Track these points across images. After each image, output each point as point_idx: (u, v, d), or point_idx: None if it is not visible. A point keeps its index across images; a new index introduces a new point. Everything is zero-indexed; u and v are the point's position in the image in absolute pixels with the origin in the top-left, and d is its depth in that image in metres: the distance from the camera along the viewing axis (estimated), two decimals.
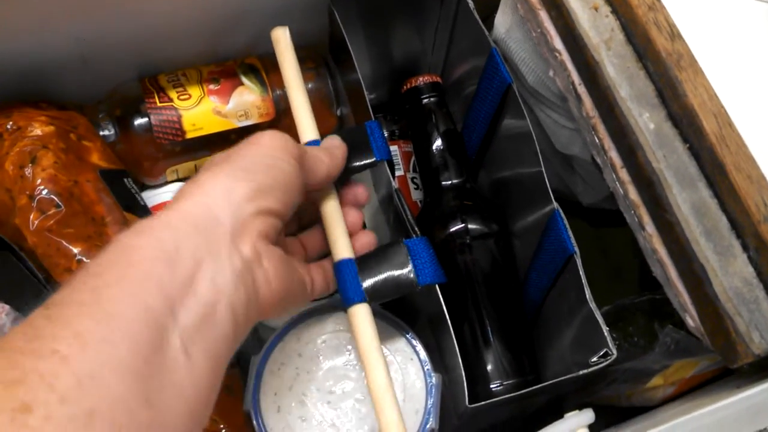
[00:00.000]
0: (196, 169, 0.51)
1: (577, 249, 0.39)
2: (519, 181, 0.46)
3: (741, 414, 0.33)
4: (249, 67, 0.51)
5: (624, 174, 0.36)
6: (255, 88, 0.51)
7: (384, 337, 0.40)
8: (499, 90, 0.44)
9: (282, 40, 0.42)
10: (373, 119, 0.42)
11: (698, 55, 0.34)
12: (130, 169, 0.49)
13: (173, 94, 0.49)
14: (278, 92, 0.51)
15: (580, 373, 0.37)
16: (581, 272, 0.39)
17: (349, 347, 0.41)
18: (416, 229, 0.40)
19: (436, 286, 0.38)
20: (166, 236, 0.28)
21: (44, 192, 0.41)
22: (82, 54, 0.46)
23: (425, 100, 0.48)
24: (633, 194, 0.36)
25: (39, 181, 0.41)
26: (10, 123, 0.43)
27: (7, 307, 0.40)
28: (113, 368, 0.23)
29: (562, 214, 0.40)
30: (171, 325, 0.26)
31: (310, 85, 0.51)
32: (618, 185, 0.36)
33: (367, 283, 0.37)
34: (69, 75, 0.47)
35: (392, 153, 0.57)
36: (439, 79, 0.49)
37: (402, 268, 0.38)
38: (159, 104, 0.48)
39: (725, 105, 0.33)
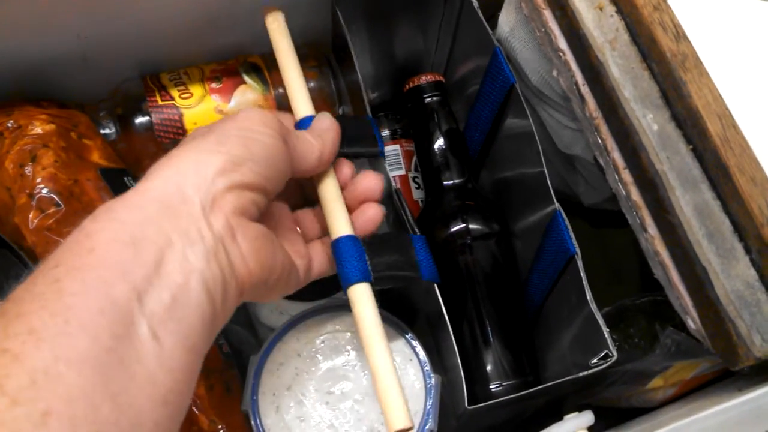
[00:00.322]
0: None
1: (578, 250, 0.39)
2: (521, 181, 0.46)
3: (743, 417, 0.33)
4: (251, 66, 0.51)
5: (626, 175, 0.36)
6: (257, 87, 0.50)
7: None
8: (502, 89, 0.44)
9: (276, 21, 0.42)
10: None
11: (703, 56, 0.33)
12: (131, 168, 0.49)
13: (175, 93, 0.49)
14: (280, 91, 0.51)
15: (580, 374, 0.37)
16: (582, 273, 0.38)
17: (348, 347, 0.41)
18: (416, 229, 0.40)
19: (435, 286, 0.38)
20: (128, 218, 0.27)
21: (44, 191, 0.41)
22: (84, 52, 0.45)
23: (428, 99, 0.48)
24: (635, 195, 0.36)
25: (39, 179, 0.41)
26: (11, 121, 0.43)
27: None
28: (71, 362, 0.22)
29: (564, 215, 0.40)
30: (136, 310, 0.24)
31: (312, 84, 0.51)
32: (620, 186, 0.36)
33: (371, 262, 0.35)
34: (70, 73, 0.46)
35: (394, 152, 0.57)
36: (441, 78, 0.49)
37: (407, 255, 0.37)
38: (160, 103, 0.48)
39: (730, 107, 0.33)
